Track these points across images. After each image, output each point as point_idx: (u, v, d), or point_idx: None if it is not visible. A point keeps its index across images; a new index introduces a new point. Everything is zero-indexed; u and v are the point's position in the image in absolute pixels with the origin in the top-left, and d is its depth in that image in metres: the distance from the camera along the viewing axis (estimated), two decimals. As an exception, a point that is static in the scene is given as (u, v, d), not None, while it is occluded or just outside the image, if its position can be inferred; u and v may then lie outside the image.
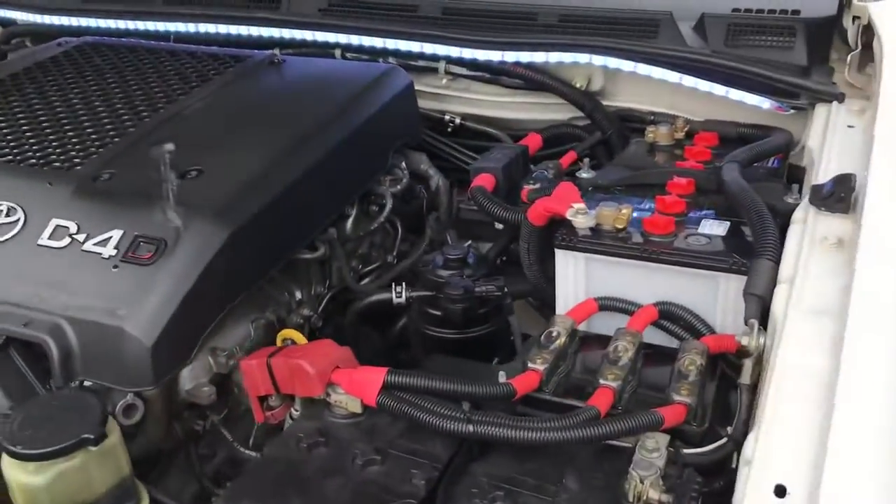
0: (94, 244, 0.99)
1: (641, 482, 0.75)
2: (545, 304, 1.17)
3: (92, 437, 0.77)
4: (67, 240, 1.01)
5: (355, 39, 1.44)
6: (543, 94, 1.41)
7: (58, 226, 1.02)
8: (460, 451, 0.84)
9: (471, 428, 0.82)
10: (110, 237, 0.99)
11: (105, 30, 1.65)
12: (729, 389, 0.93)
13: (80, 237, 1.00)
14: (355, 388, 0.88)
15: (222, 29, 1.56)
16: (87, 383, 0.93)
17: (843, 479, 0.62)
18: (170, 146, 1.07)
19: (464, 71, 1.40)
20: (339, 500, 0.80)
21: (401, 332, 1.23)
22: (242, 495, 0.81)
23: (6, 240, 1.03)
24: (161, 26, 1.61)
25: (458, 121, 1.45)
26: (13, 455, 0.76)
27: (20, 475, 0.77)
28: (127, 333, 0.91)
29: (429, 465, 0.83)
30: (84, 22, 1.70)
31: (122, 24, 1.64)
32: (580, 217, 1.00)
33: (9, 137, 1.20)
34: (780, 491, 0.66)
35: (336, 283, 1.21)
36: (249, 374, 0.95)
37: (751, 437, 0.72)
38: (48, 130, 1.20)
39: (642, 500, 0.75)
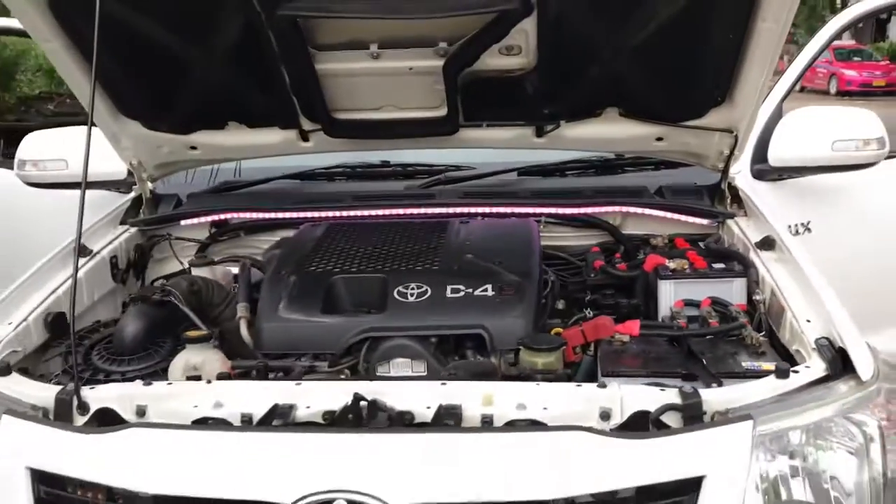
0: (479, 292, 2.10)
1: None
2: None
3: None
4: (463, 293, 2.11)
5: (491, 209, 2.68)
6: (587, 229, 2.72)
7: (453, 288, 2.12)
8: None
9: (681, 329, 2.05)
10: (487, 287, 2.11)
11: (302, 219, 2.71)
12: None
13: (470, 290, 2.11)
14: (627, 329, 2.06)
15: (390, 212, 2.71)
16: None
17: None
18: (471, 255, 2.24)
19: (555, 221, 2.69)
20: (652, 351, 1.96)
21: None
22: (614, 364, 1.94)
23: (424, 298, 2.10)
24: (351, 213, 2.72)
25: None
26: (541, 350, 1.87)
27: (541, 359, 1.87)
28: (521, 321, 2.03)
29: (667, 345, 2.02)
30: (290, 214, 2.74)
31: (320, 214, 2.72)
32: (672, 263, 2.30)
33: (372, 259, 2.27)
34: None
35: None
36: (568, 335, 2.07)
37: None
38: (394, 254, 2.29)
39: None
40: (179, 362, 1.97)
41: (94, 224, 2.65)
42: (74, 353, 1.79)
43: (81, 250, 2.46)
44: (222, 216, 2.76)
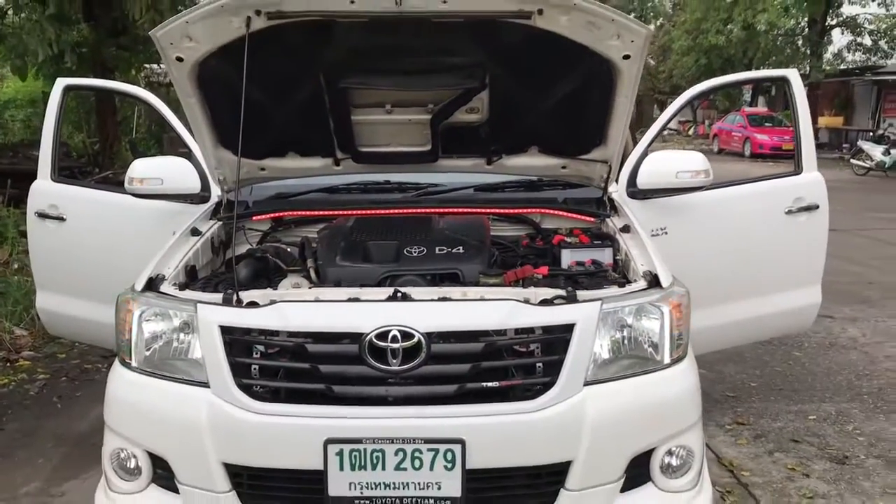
0: (455, 250, 3.56)
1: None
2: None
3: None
4: (445, 251, 3.57)
5: (458, 210, 4.17)
6: (519, 224, 4.21)
7: (439, 248, 3.58)
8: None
9: (572, 272, 3.55)
10: (460, 248, 3.57)
11: (335, 216, 4.15)
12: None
13: (450, 249, 3.57)
14: (541, 271, 3.52)
15: (393, 212, 4.17)
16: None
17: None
18: (448, 232, 3.73)
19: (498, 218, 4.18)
20: (555, 283, 3.45)
21: None
22: (532, 287, 3.42)
23: (422, 254, 3.56)
24: (368, 212, 4.17)
25: (489, 237, 4.20)
26: (491, 275, 3.33)
27: (491, 280, 3.33)
28: (479, 266, 3.50)
29: (564, 280, 3.52)
30: (326, 212, 4.17)
31: (347, 213, 4.15)
32: (569, 239, 3.81)
33: (388, 234, 3.72)
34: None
35: None
36: (506, 275, 3.54)
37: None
38: (401, 232, 3.74)
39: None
40: (286, 281, 3.40)
41: (196, 218, 4.05)
42: (234, 271, 3.20)
43: (195, 231, 3.87)
44: (280, 214, 4.19)
